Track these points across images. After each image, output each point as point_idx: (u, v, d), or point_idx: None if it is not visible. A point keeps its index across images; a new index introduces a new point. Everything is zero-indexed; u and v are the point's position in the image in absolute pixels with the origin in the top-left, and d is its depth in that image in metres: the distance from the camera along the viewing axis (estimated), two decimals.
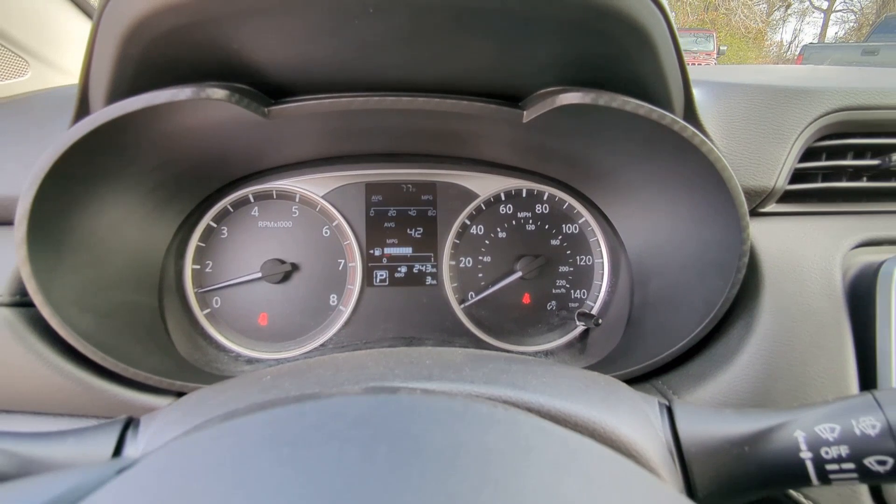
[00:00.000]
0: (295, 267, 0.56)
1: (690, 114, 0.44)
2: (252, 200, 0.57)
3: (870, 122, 0.46)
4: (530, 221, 0.59)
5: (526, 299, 0.58)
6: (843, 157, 0.48)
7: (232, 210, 0.56)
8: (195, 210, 0.55)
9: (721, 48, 10.43)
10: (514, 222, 0.59)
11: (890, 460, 0.25)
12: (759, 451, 0.27)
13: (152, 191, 0.48)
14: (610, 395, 0.30)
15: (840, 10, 17.19)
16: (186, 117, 0.41)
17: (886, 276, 0.41)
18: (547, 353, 0.56)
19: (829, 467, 0.26)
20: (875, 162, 0.46)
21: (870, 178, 0.49)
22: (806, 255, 0.44)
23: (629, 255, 0.55)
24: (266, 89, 0.43)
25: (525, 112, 0.44)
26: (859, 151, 0.48)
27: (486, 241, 0.58)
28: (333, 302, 0.57)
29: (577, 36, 0.37)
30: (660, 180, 0.47)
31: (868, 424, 0.26)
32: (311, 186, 0.57)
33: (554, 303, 0.58)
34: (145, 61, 0.37)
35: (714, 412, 0.29)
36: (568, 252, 0.59)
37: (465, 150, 0.56)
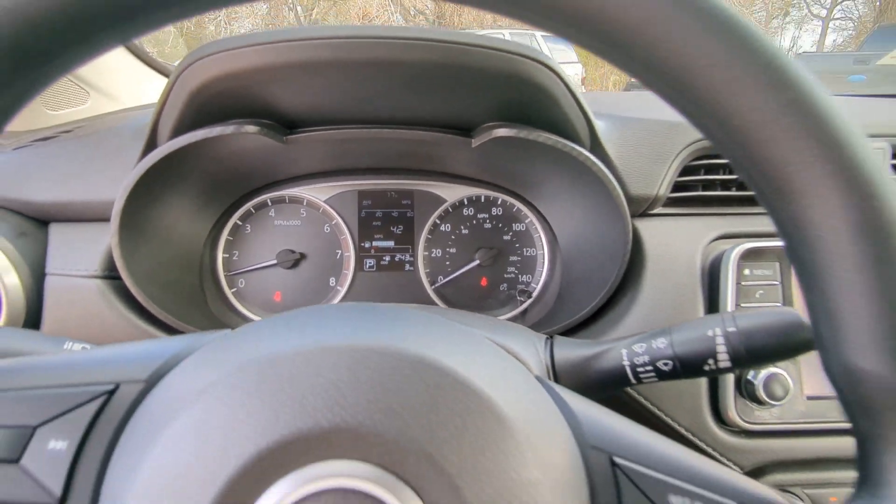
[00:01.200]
0: (303, 256, 0.73)
1: (595, 143, 0.60)
2: (269, 204, 0.73)
3: None
4: (487, 221, 0.75)
5: (483, 282, 0.74)
6: (718, 173, 0.64)
7: (254, 211, 0.73)
8: (226, 211, 0.72)
9: None
10: (474, 221, 0.75)
11: (671, 363, 0.41)
12: (601, 364, 0.43)
13: (197, 196, 0.64)
14: (511, 329, 0.46)
15: (838, 18, 17.28)
16: (227, 145, 0.58)
17: (727, 259, 0.57)
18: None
19: (638, 370, 0.41)
20: (732, 177, 0.62)
21: (737, 189, 0.64)
22: (678, 245, 0.60)
23: (561, 247, 0.72)
24: (284, 122, 0.60)
25: (473, 140, 0.61)
26: (728, 168, 0.64)
27: (452, 237, 0.75)
28: (332, 283, 0.73)
29: (503, 90, 0.53)
30: (575, 190, 0.64)
31: (660, 342, 0.41)
32: (316, 193, 0.73)
33: (505, 285, 0.74)
34: (203, 108, 0.53)
35: (579, 343, 0.45)
36: (516, 245, 0.75)
37: (436, 166, 0.73)
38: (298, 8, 19.09)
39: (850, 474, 0.56)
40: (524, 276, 0.75)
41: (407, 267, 0.74)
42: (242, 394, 0.22)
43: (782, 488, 0.57)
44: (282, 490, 0.20)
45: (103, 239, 0.57)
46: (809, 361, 0.56)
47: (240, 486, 0.20)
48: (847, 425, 0.54)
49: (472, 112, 0.59)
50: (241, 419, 0.21)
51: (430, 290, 0.74)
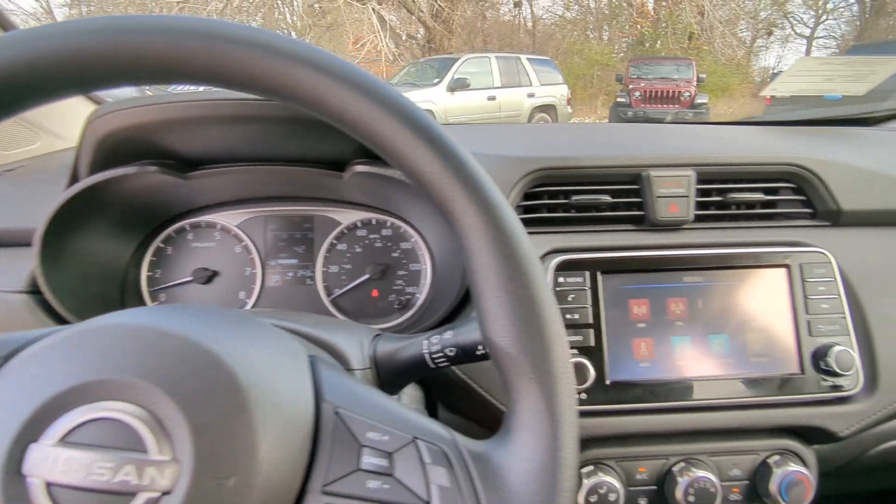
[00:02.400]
0: (215, 273, 0.84)
1: None
2: (188, 229, 0.85)
3: (563, 176, 0.75)
4: (378, 241, 0.87)
5: (374, 293, 0.86)
6: (559, 198, 0.76)
7: (174, 235, 0.85)
8: (151, 234, 0.84)
9: (700, 76, 10.80)
10: (367, 241, 0.87)
11: (455, 349, 0.52)
12: (409, 353, 0.54)
13: (117, 223, 0.76)
14: (345, 327, 0.57)
15: (822, 37, 17.64)
16: (137, 181, 0.70)
17: (546, 270, 0.69)
18: (388, 329, 0.84)
19: (434, 356, 0.53)
20: (566, 201, 0.75)
21: (576, 210, 0.76)
22: None
23: (436, 262, 0.84)
24: (186, 162, 0.73)
25: (344, 175, 0.73)
26: (566, 194, 0.76)
27: (348, 255, 0.87)
28: (242, 297, 0.85)
29: None
30: (437, 214, 0.76)
31: (448, 334, 0.53)
32: (228, 219, 0.85)
33: (394, 295, 0.86)
34: (111, 151, 0.66)
35: (399, 337, 0.56)
36: (404, 261, 0.87)
37: (332, 194, 0.85)
38: (293, 33, 19.48)
39: (656, 448, 0.68)
40: (410, 287, 0.87)
41: (308, 281, 0.86)
42: (54, 354, 0.34)
43: (598, 461, 0.68)
44: (69, 417, 0.32)
45: (30, 260, 0.69)
46: (613, 350, 0.67)
47: (43, 413, 0.32)
48: (646, 405, 0.66)
49: (339, 150, 0.72)
50: (47, 371, 0.33)
51: (327, 301, 0.85)
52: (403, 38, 15.67)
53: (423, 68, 9.87)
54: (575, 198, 0.74)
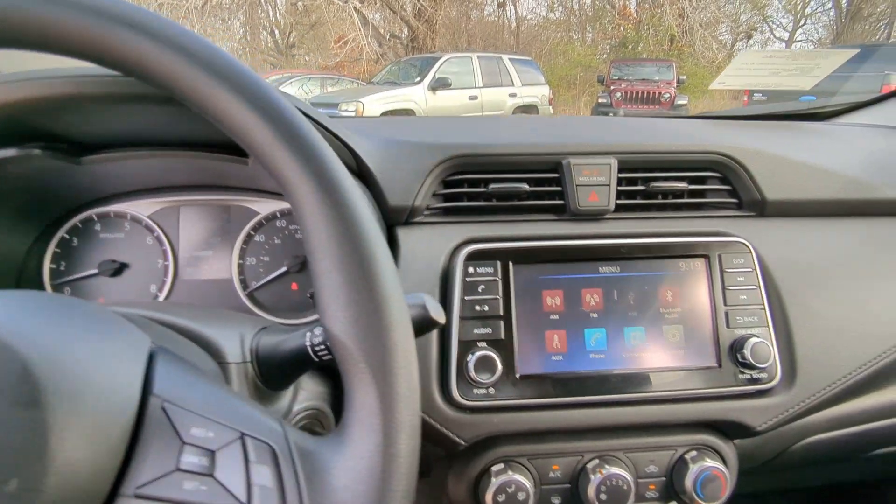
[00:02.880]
0: (124, 265, 0.80)
1: (357, 161, 0.70)
2: (95, 219, 0.81)
3: (481, 164, 0.72)
4: (297, 231, 0.83)
5: (294, 286, 0.83)
6: (479, 186, 0.74)
7: (81, 226, 0.81)
8: (54, 225, 0.79)
9: (681, 78, 10.91)
10: (286, 232, 0.83)
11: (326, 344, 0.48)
12: (290, 345, 0.51)
13: (9, 212, 0.72)
14: (226, 318, 0.54)
15: (800, 41, 17.95)
16: (24, 165, 0.66)
17: (456, 260, 0.66)
18: (306, 324, 0.80)
19: (317, 349, 0.49)
20: (485, 190, 0.72)
21: (498, 199, 0.74)
22: (430, 249, 0.69)
23: None
24: (82, 145, 0.69)
25: (248, 161, 0.69)
26: (485, 182, 0.73)
27: (266, 246, 0.83)
28: (153, 290, 0.81)
29: None
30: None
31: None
32: (140, 208, 0.81)
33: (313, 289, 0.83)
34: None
35: (284, 329, 0.53)
36: None
37: (249, 182, 0.81)
38: (276, 31, 19.31)
39: (571, 444, 0.65)
40: None
41: (223, 275, 0.82)
42: None
43: (509, 459, 0.65)
44: None
45: None
46: (523, 343, 0.65)
47: None
48: (558, 399, 0.63)
49: None
50: None
51: (242, 295, 0.82)
52: (387, 37, 15.61)
53: (405, 67, 9.85)
54: (492, 186, 0.71)
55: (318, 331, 0.50)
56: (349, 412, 0.34)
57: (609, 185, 0.72)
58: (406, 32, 15.42)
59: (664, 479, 0.67)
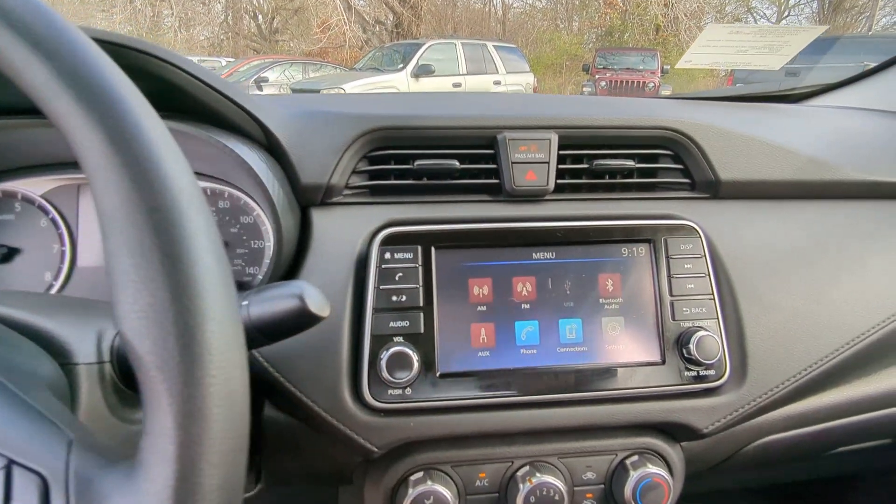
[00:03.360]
0: (14, 251, 0.72)
1: (268, 134, 0.62)
2: None
3: (407, 138, 0.65)
4: (214, 214, 0.75)
5: None
6: (408, 163, 0.66)
7: None
8: None
9: (665, 67, 10.89)
10: (212, 211, 0.75)
11: None
12: None
13: None
14: (85, 308, 0.46)
15: None
16: None
17: (372, 245, 0.59)
18: None
19: None
20: (408, 167, 0.65)
21: (429, 178, 0.66)
22: (346, 232, 0.62)
23: (282, 240, 0.73)
24: None
25: None
26: (413, 158, 0.66)
27: None
28: (48, 278, 0.73)
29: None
30: (282, 182, 0.65)
31: None
32: (32, 187, 0.73)
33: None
34: None
35: None
36: (244, 237, 0.75)
37: None
38: (259, 16, 18.93)
39: (499, 450, 0.59)
40: (251, 267, 0.76)
41: None
42: None
43: (431, 467, 0.59)
44: None
45: None
46: (446, 337, 0.58)
47: None
48: (484, 400, 0.56)
49: None
50: None
51: None
52: (371, 23, 15.36)
53: (389, 53, 9.69)
54: (419, 163, 0.64)
55: (249, 304, 0.42)
56: (143, 434, 0.27)
57: (548, 163, 0.65)
58: (391, 18, 15.19)
59: (602, 486, 0.61)
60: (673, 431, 0.63)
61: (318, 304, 0.41)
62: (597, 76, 10.33)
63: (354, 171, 0.65)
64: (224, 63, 11.10)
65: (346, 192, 0.65)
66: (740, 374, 0.62)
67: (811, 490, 1.05)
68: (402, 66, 8.62)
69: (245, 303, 0.42)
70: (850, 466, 0.93)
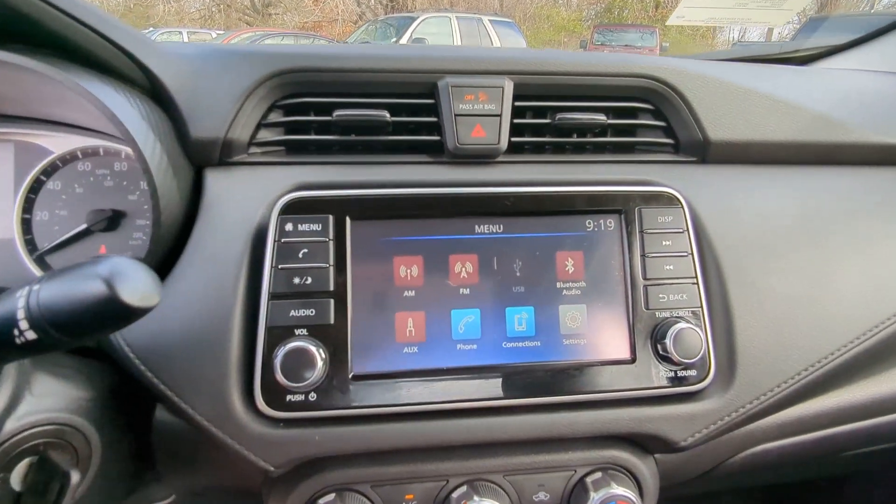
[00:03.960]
0: None
1: (150, 77, 0.50)
2: None
3: (322, 83, 0.52)
4: (108, 178, 0.63)
5: (102, 250, 0.63)
6: (328, 114, 0.54)
7: None
8: None
9: (664, 44, 10.67)
10: (92, 179, 0.63)
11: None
12: None
13: None
14: None
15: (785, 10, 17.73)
16: None
17: (272, 213, 0.47)
18: None
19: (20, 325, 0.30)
20: (324, 119, 0.52)
21: (358, 133, 0.54)
22: (246, 196, 0.50)
23: None
24: None
25: None
26: (323, 109, 0.53)
27: (63, 197, 0.63)
28: None
29: None
30: None
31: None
32: None
33: (129, 253, 0.63)
34: None
35: None
36: (145, 207, 0.63)
37: (39, 109, 0.60)
38: None
39: (431, 466, 0.48)
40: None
41: (2, 233, 0.62)
42: None
43: (345, 487, 0.48)
44: None
45: None
46: (362, 330, 0.47)
47: None
48: (410, 407, 0.44)
49: None
50: None
51: (28, 259, 0.62)
52: None
53: (382, 27, 9.44)
54: (339, 113, 0.52)
55: (39, 289, 0.31)
56: None
57: (500, 116, 0.53)
58: None
59: None
60: (644, 443, 0.52)
61: (134, 290, 0.29)
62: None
63: (264, 125, 0.53)
64: (214, 35, 10.80)
65: (255, 149, 0.53)
66: (727, 375, 0.51)
67: (806, 490, 0.96)
68: (395, 39, 8.39)
69: (36, 286, 0.30)
70: (852, 466, 0.84)
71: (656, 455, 0.54)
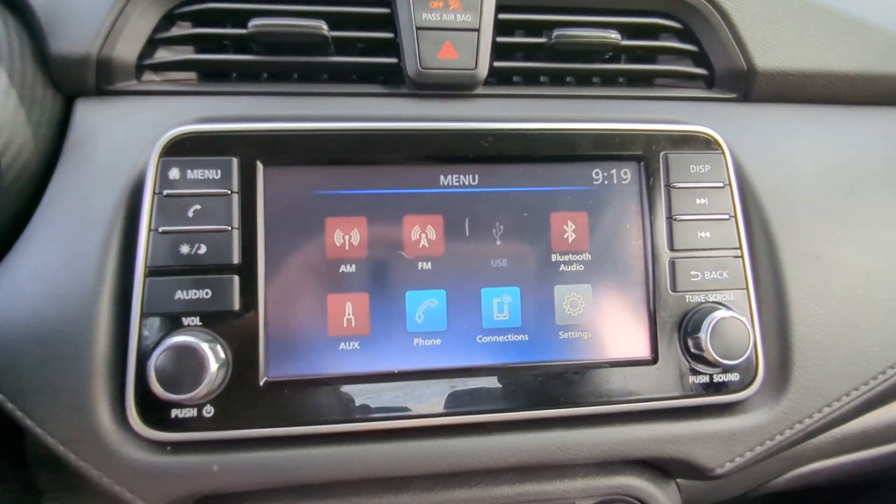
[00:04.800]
0: None
1: None
2: None
3: None
4: None
5: None
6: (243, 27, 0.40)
7: None
8: None
9: None
10: None
11: None
12: None
13: None
14: None
15: None
16: None
17: (152, 155, 0.33)
18: None
19: None
20: (242, 32, 0.39)
21: (262, 52, 0.40)
22: (126, 134, 0.37)
23: None
24: None
25: None
26: (239, 20, 0.40)
27: None
28: None
29: None
30: None
31: None
32: None
33: None
34: None
35: None
36: None
37: None
38: None
39: (382, 501, 0.35)
40: None
41: None
42: None
43: None
44: None
45: None
46: (279, 318, 0.34)
47: None
48: (345, 425, 0.32)
49: None
50: None
51: None
52: None
53: None
54: (255, 23, 0.38)
55: None
56: None
57: (478, 31, 0.39)
58: None
59: None
60: (666, 467, 0.39)
61: None
62: None
63: (161, 40, 0.39)
64: None
65: (150, 75, 0.40)
66: (779, 379, 0.38)
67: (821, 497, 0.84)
68: None
69: None
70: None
71: (679, 480, 0.41)
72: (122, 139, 0.36)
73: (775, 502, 0.77)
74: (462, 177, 0.36)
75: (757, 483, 0.45)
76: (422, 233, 0.35)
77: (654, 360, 0.36)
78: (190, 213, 0.33)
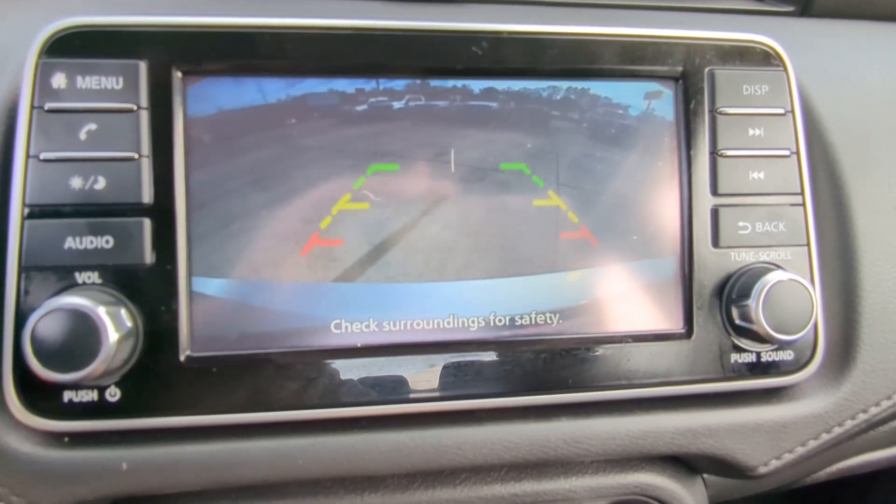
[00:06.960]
0: None
1: None
2: None
3: None
4: None
5: None
6: None
7: None
8: None
9: None
10: None
11: None
12: None
13: None
14: None
15: None
16: None
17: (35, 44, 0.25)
18: None
19: None
20: None
21: None
22: (7, 26, 0.28)
23: None
24: None
25: None
26: None
27: None
28: None
29: None
30: None
31: None
32: None
33: None
34: None
35: None
36: None
37: None
38: None
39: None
40: None
41: None
42: None
43: None
44: None
45: None
46: (206, 273, 0.26)
47: None
48: (305, 412, 0.24)
49: None
50: None
51: None
52: None
53: None
54: None
55: None
56: None
57: None
58: None
59: None
60: (694, 463, 0.32)
61: None
62: None
63: None
64: None
65: None
66: (841, 359, 0.31)
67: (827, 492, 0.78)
68: None
69: None
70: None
71: (706, 475, 0.34)
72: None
73: (796, 492, 0.72)
74: (451, 94, 0.28)
75: (795, 478, 0.38)
76: (401, 181, 0.27)
77: (687, 333, 0.29)
78: (82, 135, 0.25)
